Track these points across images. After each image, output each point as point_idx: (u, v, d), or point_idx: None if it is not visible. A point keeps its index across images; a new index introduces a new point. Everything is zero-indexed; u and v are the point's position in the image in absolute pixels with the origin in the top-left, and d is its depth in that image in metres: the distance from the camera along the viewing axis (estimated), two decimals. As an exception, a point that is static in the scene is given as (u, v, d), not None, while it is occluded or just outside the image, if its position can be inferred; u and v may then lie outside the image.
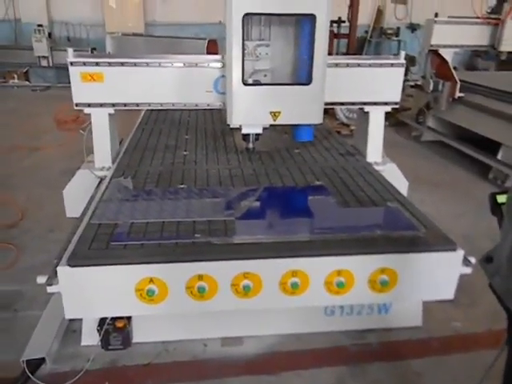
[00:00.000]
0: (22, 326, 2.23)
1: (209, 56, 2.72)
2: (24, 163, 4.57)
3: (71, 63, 2.55)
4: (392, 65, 2.77)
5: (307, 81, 2.45)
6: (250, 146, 2.77)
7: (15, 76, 8.48)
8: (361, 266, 1.81)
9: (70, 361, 2.03)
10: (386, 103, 2.86)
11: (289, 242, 1.82)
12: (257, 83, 2.57)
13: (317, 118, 2.56)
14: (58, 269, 1.67)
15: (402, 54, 2.78)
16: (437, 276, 1.87)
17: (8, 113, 6.78)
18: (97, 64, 2.57)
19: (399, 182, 2.86)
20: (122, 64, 2.59)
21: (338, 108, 5.78)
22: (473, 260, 1.90)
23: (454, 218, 3.55)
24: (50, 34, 8.17)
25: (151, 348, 2.11)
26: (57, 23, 8.81)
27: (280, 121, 2.53)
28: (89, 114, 2.72)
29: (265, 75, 2.66)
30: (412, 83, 6.19)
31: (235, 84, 2.41)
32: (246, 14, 2.27)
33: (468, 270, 1.89)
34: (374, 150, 2.96)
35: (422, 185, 4.18)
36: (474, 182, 4.35)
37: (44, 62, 8.17)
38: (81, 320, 2.13)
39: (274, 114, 2.51)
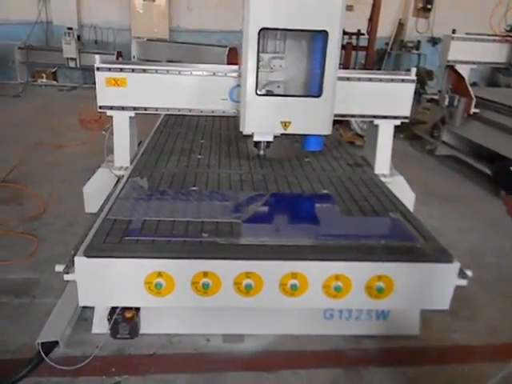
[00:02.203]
0: (39, 311, 2.38)
1: (225, 66, 2.85)
2: (48, 159, 4.78)
3: (97, 68, 2.72)
4: (403, 80, 2.85)
5: (318, 93, 2.56)
6: (261, 152, 2.90)
7: (44, 75, 8.83)
8: (358, 272, 1.90)
9: (80, 346, 2.16)
10: (395, 117, 2.95)
11: (290, 245, 1.92)
12: (269, 94, 2.69)
13: (326, 129, 2.66)
14: (76, 259, 1.81)
15: (413, 70, 2.86)
16: (432, 286, 1.94)
17: (35, 111, 7.08)
18: (121, 70, 2.73)
19: (406, 194, 2.93)
20: (144, 71, 2.74)
21: (352, 119, 5.86)
22: (469, 273, 1.96)
23: (462, 234, 3.58)
24: (78, 37, 8.49)
25: (156, 339, 2.22)
26: (86, 26, 9.15)
27: (290, 130, 2.65)
28: (111, 116, 2.89)
29: (278, 86, 2.78)
30: (429, 97, 6.24)
31: (249, 94, 2.53)
32: (262, 29, 2.39)
33: (464, 283, 1.95)
34: (382, 163, 3.04)
35: (433, 199, 4.22)
36: (486, 199, 4.36)
37: (72, 64, 8.49)
38: (92, 309, 2.27)
39: (285, 124, 2.63)
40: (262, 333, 2.27)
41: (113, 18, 9.18)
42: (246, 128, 2.63)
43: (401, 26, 9.50)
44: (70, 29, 8.30)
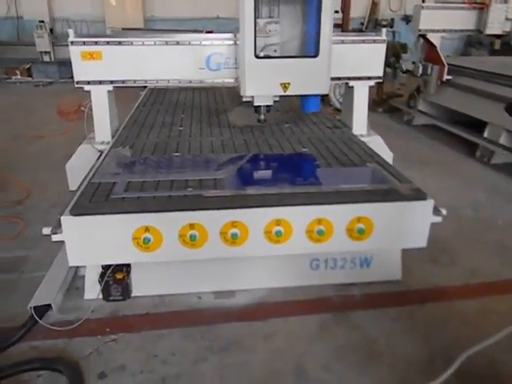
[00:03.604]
0: (29, 285, 2.39)
1: (201, 35, 2.88)
2: (29, 150, 4.74)
3: (72, 42, 2.73)
4: (374, 41, 2.93)
5: (315, 53, 2.59)
6: (262, 117, 2.89)
7: (18, 72, 8.68)
8: (339, 215, 1.97)
9: (73, 311, 2.19)
10: (369, 78, 3.03)
11: (273, 193, 1.98)
12: (268, 56, 2.70)
13: (324, 88, 2.71)
14: (62, 218, 1.84)
15: (384, 30, 2.94)
16: (409, 224, 2.03)
17: (12, 107, 6.96)
18: (96, 43, 2.74)
19: (383, 153, 3.01)
20: (120, 43, 2.76)
21: (331, 94, 5.95)
22: (443, 211, 2.05)
23: (440, 191, 3.69)
24: (51, 30, 8.36)
25: (149, 300, 2.27)
26: (58, 20, 9.01)
27: (290, 91, 2.67)
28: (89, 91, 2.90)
29: (274, 50, 2.78)
30: (405, 70, 6.36)
31: (248, 57, 2.54)
32: None
33: (439, 219, 2.05)
34: (360, 123, 3.12)
35: (412, 163, 4.33)
36: (462, 160, 4.50)
37: (46, 58, 8.36)
38: (83, 278, 2.31)
39: (285, 86, 2.65)
40: (251, 287, 2.34)
41: (85, 11, 9.05)
42: (247, 91, 2.64)
43: (374, 5, 9.62)
44: (42, 22, 8.16)
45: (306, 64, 2.63)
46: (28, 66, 8.76)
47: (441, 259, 2.69)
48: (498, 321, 2.20)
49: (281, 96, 2.74)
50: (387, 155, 3.07)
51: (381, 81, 3.08)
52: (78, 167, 2.92)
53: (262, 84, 2.65)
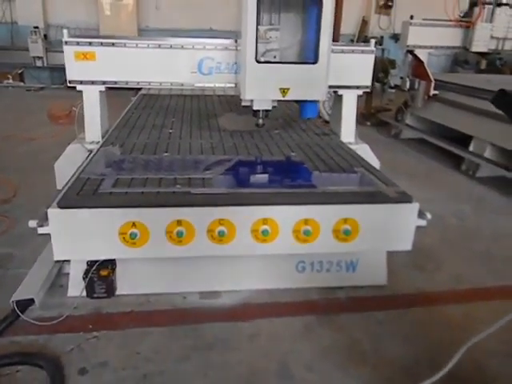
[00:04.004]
0: (13, 281, 2.36)
1: (193, 39, 2.92)
2: (18, 151, 4.72)
3: (66, 42, 2.75)
4: (362, 51, 3.00)
5: (314, 60, 2.64)
6: (260, 121, 2.91)
7: (10, 77, 8.65)
8: (325, 216, 2.00)
9: (56, 308, 2.16)
10: (357, 87, 3.09)
11: (261, 193, 2.00)
12: (268, 61, 2.73)
13: (321, 94, 2.76)
14: (49, 210, 1.83)
15: (372, 41, 3.02)
16: (395, 226, 2.06)
17: (3, 109, 6.94)
18: (90, 44, 2.77)
19: (370, 160, 3.06)
20: (113, 44, 2.79)
21: (321, 106, 6.04)
22: (428, 215, 2.09)
23: (427, 202, 3.65)
24: (45, 36, 8.38)
25: (134, 299, 2.25)
26: (52, 26, 9.04)
27: (288, 97, 2.70)
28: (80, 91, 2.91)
29: (274, 56, 2.82)
30: (393, 85, 6.51)
31: (249, 62, 2.57)
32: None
33: (423, 223, 2.08)
34: (348, 131, 3.18)
35: (399, 175, 4.35)
36: (448, 173, 4.59)
37: (39, 63, 8.36)
38: (67, 275, 2.28)
39: (284, 91, 2.69)
40: (237, 289, 2.33)
41: (80, 18, 9.09)
42: (247, 95, 2.67)
43: (364, 23, 9.87)
44: (37, 27, 8.18)
45: (306, 70, 2.67)
46: (20, 70, 8.74)
47: (426, 266, 2.73)
48: (482, 326, 2.22)
49: (279, 101, 2.78)
50: (374, 163, 3.11)
51: (369, 90, 3.15)
52: (67, 167, 2.90)
53: (262, 88, 2.68)
